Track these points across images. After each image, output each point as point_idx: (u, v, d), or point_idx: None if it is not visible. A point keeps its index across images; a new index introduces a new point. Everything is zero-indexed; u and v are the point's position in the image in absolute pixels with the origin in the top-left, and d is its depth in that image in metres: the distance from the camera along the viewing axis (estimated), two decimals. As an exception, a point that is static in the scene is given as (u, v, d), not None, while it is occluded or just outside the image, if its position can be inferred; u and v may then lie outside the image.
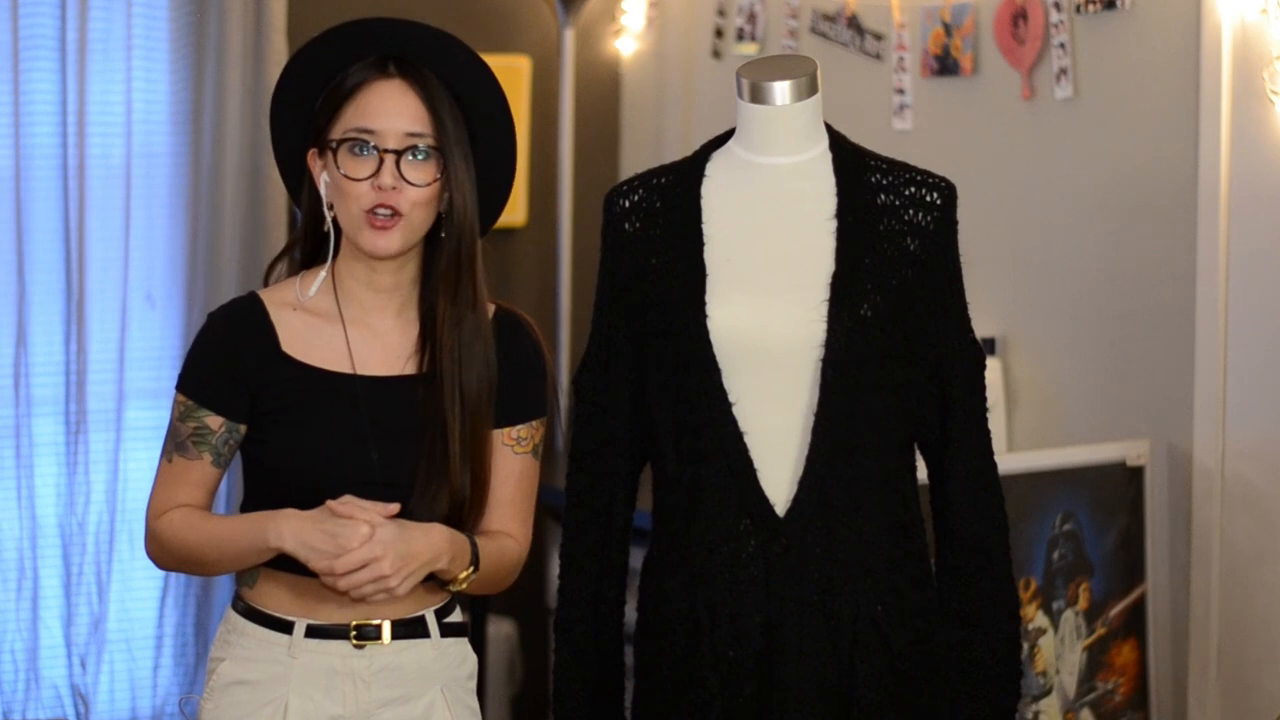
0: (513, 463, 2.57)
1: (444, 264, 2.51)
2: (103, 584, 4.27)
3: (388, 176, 2.44)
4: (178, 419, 2.52)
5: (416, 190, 2.46)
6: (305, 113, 2.52)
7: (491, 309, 2.57)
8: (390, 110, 2.45)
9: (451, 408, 2.48)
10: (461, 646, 2.59)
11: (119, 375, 4.28)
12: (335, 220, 2.50)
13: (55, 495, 4.25)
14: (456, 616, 2.59)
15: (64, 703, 4.27)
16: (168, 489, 2.52)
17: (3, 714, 4.21)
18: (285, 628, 2.48)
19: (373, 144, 2.45)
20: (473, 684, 2.60)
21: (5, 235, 4.16)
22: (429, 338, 2.52)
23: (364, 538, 2.38)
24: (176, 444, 2.52)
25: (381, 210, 2.44)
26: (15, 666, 4.22)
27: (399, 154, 2.45)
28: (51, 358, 4.23)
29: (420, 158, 2.46)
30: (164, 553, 2.53)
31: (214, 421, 2.49)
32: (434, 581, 2.52)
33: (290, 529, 2.40)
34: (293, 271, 2.58)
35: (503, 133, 2.56)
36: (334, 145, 2.46)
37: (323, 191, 2.49)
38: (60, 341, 4.23)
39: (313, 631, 2.48)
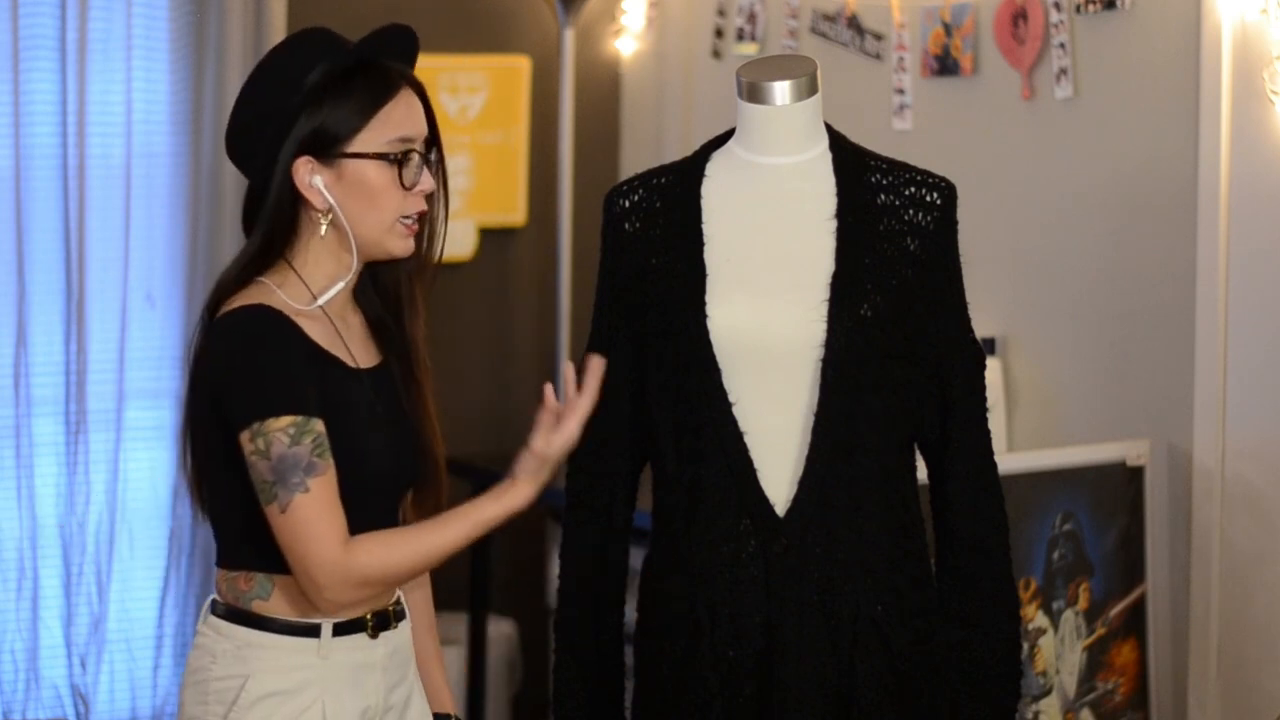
0: None
1: (420, 255, 2.55)
2: (103, 584, 4.27)
3: (431, 181, 2.50)
4: (289, 446, 2.35)
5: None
6: (280, 119, 2.46)
7: None
8: (418, 118, 2.49)
9: (428, 388, 2.53)
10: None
11: (119, 375, 4.28)
12: (328, 225, 2.49)
13: (55, 495, 4.25)
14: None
15: (64, 703, 4.27)
16: (328, 521, 2.38)
17: (3, 714, 4.21)
18: (311, 631, 2.47)
19: (414, 151, 2.48)
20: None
21: (5, 235, 4.16)
22: (391, 324, 2.56)
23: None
24: (304, 471, 2.36)
25: (415, 215, 2.49)
26: (15, 666, 4.22)
27: (427, 158, 2.50)
28: (51, 358, 4.23)
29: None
30: (368, 585, 2.42)
31: (320, 426, 2.39)
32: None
33: (526, 493, 2.47)
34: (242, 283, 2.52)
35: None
36: (375, 156, 2.46)
37: (330, 200, 2.47)
38: (60, 341, 4.23)
39: (339, 629, 2.48)
